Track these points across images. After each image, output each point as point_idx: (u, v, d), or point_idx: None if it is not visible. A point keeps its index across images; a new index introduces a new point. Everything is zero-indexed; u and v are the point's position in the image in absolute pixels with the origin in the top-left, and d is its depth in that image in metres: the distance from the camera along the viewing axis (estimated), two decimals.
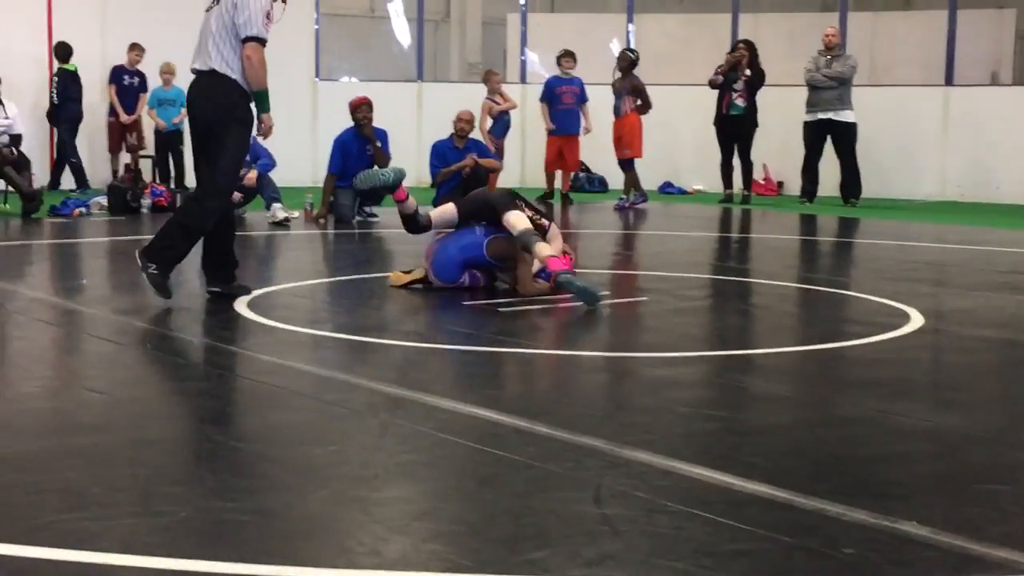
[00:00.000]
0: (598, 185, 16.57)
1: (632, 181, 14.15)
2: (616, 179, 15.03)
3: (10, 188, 12.25)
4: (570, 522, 3.12)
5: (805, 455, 3.87)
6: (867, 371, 5.24)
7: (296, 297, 7.16)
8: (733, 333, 6.41)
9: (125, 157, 14.99)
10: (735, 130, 14.36)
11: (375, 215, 11.79)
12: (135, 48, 14.92)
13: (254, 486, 3.44)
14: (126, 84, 15.07)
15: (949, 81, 15.68)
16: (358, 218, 11.76)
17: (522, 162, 16.34)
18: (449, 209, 7.38)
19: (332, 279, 8.17)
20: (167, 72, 14.66)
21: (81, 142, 15.16)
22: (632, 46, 16.23)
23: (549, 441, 3.88)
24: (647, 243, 11.24)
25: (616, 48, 16.47)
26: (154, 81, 14.99)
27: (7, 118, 12.29)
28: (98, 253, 9.68)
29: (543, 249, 6.83)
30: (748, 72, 14.19)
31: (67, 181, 14.79)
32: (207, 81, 6.62)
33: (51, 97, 14.61)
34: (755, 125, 14.38)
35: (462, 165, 11.61)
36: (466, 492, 3.43)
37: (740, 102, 14.24)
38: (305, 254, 10.06)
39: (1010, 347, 5.94)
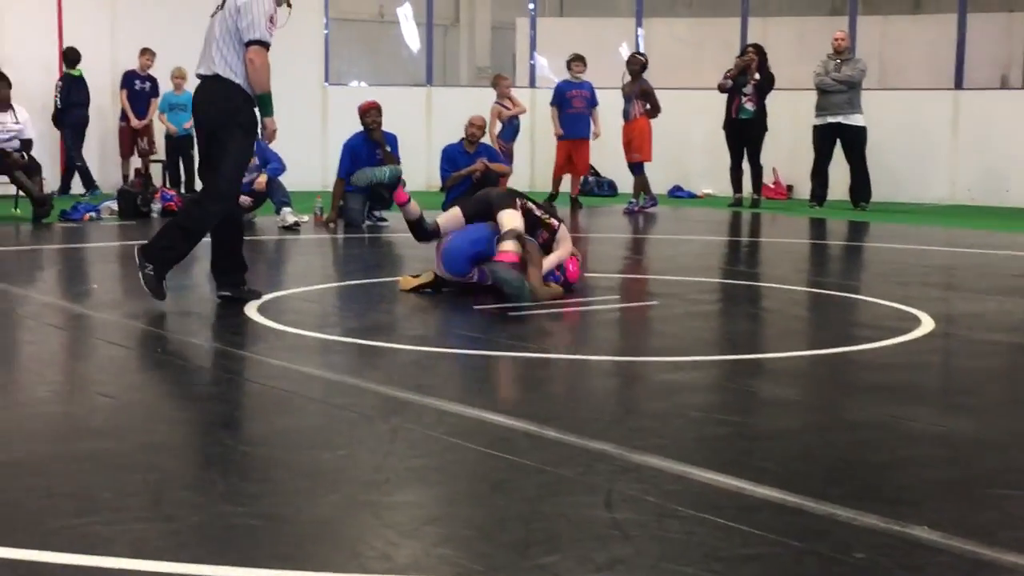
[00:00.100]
0: (607, 189, 16.58)
1: (642, 185, 14.15)
2: (625, 183, 15.03)
3: (21, 193, 12.28)
4: (581, 527, 3.11)
5: (816, 460, 3.86)
6: (878, 375, 5.23)
7: (306, 301, 7.16)
8: (743, 337, 6.40)
9: (136, 162, 15.04)
10: (744, 134, 14.37)
11: (385, 219, 11.80)
12: (146, 53, 14.98)
13: (264, 490, 3.44)
14: (137, 89, 15.12)
15: (959, 85, 15.67)
16: (368, 222, 11.77)
17: (531, 166, 16.35)
18: (455, 213, 7.40)
19: (342, 283, 8.18)
20: (178, 77, 14.71)
21: (92, 147, 15.22)
22: (641, 50, 16.23)
23: (559, 446, 3.87)
24: (657, 247, 11.23)
25: (625, 52, 16.49)
26: (165, 86, 15.03)
27: (17, 123, 12.32)
28: (108, 257, 9.69)
29: (507, 244, 6.82)
30: (757, 76, 14.19)
31: (77, 186, 14.84)
32: (211, 86, 6.64)
33: (55, 102, 14.65)
34: (764, 129, 14.38)
35: (472, 169, 11.61)
36: (476, 497, 3.43)
37: (749, 106, 14.24)
38: (315, 258, 10.07)
39: (1021, 351, 5.93)
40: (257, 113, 6.68)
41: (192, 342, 5.97)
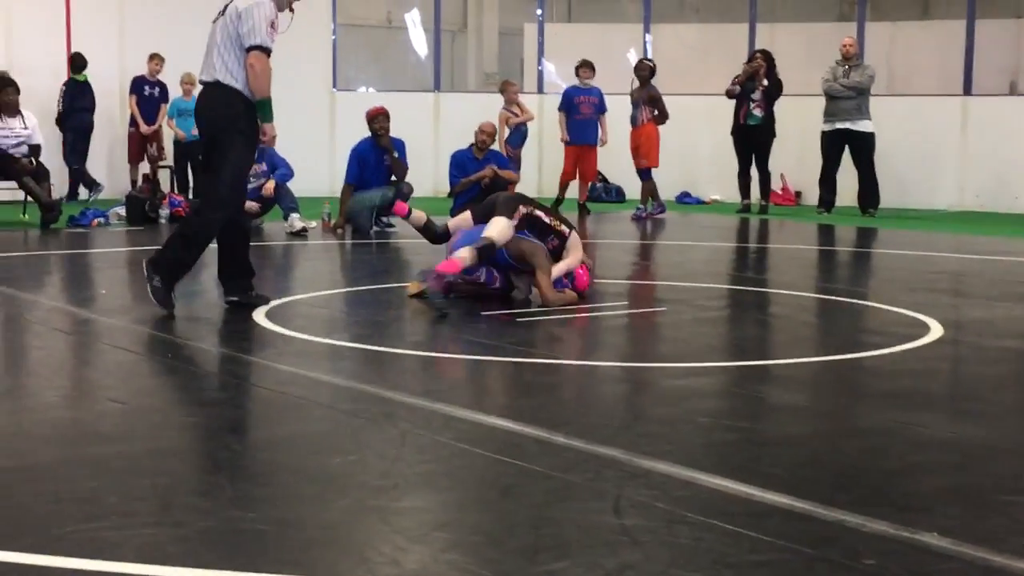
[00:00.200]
0: (615, 195, 16.56)
1: (650, 191, 14.13)
2: (633, 189, 15.02)
3: (29, 199, 12.30)
4: (589, 533, 3.11)
5: (825, 466, 3.85)
6: (887, 382, 5.22)
7: (314, 307, 7.16)
8: (752, 343, 6.39)
9: (144, 167, 15.06)
10: (752, 140, 14.36)
11: (392, 225, 11.79)
12: (155, 58, 15.00)
13: (273, 496, 3.44)
14: (147, 94, 15.15)
15: (967, 91, 15.64)
16: (375, 228, 11.77)
17: (539, 172, 16.34)
18: (466, 217, 7.40)
19: (350, 289, 8.18)
20: (187, 82, 14.72)
21: (100, 152, 15.24)
22: (649, 56, 16.23)
23: (568, 451, 3.87)
24: (665, 253, 11.23)
25: (633, 58, 16.47)
26: (174, 91, 15.05)
27: (26, 128, 12.34)
28: (116, 263, 9.70)
29: (461, 252, 6.80)
30: (765, 82, 14.18)
31: (85, 192, 14.85)
32: (211, 92, 6.65)
33: (58, 106, 14.68)
34: (772, 135, 14.36)
35: (481, 176, 11.61)
36: (485, 502, 3.43)
37: (758, 112, 14.23)
38: (323, 264, 10.08)
39: None
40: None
41: (200, 347, 5.97)
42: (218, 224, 6.64)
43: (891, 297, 7.54)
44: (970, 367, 5.78)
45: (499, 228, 6.99)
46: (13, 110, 12.33)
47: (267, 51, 6.53)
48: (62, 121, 14.77)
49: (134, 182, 14.89)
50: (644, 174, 14.18)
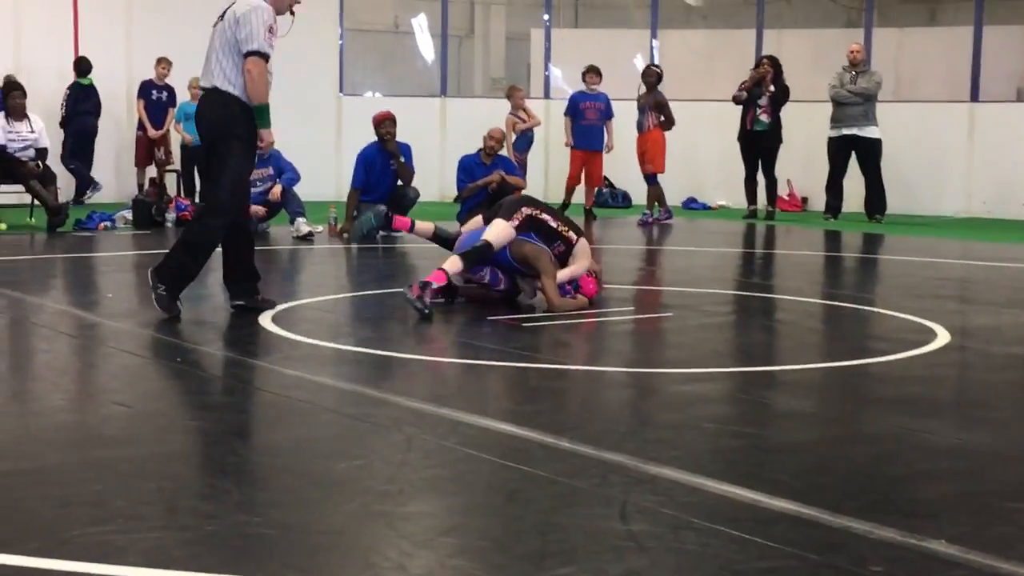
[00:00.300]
0: (621, 200, 16.57)
1: (657, 196, 14.14)
2: (640, 194, 15.02)
3: (36, 202, 12.32)
4: (596, 538, 3.10)
5: (832, 472, 3.84)
6: (894, 388, 5.21)
7: (320, 311, 7.17)
8: (758, 349, 6.38)
9: (151, 171, 15.07)
10: (759, 146, 14.35)
11: (399, 230, 11.77)
12: (162, 62, 15.01)
13: (279, 500, 3.44)
14: (154, 99, 15.16)
15: (974, 97, 15.63)
16: (382, 233, 11.75)
17: (545, 177, 16.34)
18: (476, 221, 7.40)
19: (356, 293, 8.18)
20: (195, 87, 14.70)
21: (107, 156, 15.25)
22: (656, 62, 16.23)
23: (574, 457, 3.86)
24: (671, 259, 11.22)
25: (640, 64, 16.48)
26: (182, 95, 15.07)
27: (33, 132, 12.36)
28: (123, 267, 9.71)
29: (449, 261, 6.80)
30: (772, 88, 14.17)
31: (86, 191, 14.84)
32: (211, 98, 6.65)
33: (61, 109, 14.70)
34: (779, 141, 14.36)
35: (488, 181, 11.61)
36: (491, 508, 3.42)
37: (764, 118, 14.22)
38: (329, 268, 10.08)
39: None
40: None
41: (206, 351, 5.98)
42: (220, 231, 6.63)
43: (898, 303, 7.52)
44: (977, 374, 5.77)
45: (497, 231, 6.99)
46: (20, 114, 12.36)
47: (265, 57, 6.51)
48: (65, 124, 14.79)
49: (141, 186, 14.90)
50: (650, 179, 14.18)
